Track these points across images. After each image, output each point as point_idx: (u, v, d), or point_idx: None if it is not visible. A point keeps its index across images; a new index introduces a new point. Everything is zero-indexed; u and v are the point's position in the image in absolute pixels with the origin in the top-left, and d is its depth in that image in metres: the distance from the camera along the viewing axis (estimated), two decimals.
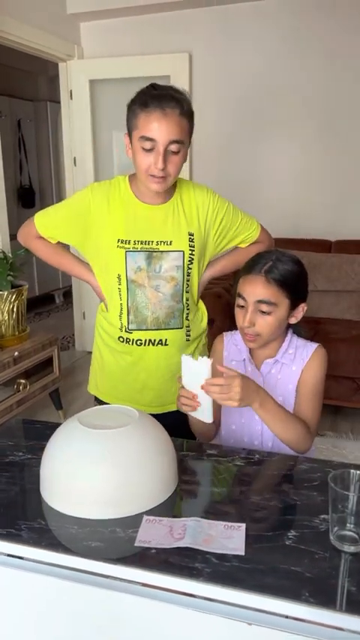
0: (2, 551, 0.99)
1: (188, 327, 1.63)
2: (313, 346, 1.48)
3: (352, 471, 0.99)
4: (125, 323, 1.60)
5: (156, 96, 1.41)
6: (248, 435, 1.46)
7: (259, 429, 1.45)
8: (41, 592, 0.96)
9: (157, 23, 3.95)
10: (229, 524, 1.01)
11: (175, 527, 1.00)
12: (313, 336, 3.34)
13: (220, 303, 3.32)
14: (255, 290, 1.38)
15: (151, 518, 1.03)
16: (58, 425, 1.46)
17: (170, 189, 1.55)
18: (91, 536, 0.98)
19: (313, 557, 0.92)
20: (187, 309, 1.62)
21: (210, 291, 3.34)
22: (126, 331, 1.61)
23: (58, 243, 1.71)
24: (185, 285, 1.59)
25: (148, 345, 1.60)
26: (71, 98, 4.15)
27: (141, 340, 1.60)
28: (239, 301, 1.41)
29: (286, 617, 0.83)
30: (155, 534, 0.99)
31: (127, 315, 1.59)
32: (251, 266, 1.41)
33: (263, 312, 1.38)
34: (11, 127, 5.77)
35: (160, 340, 1.60)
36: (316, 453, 1.52)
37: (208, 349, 1.70)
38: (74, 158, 4.26)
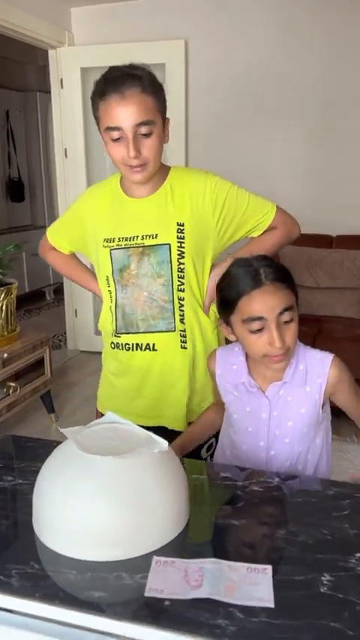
0: None
1: (184, 331, 1.46)
2: (326, 361, 1.25)
3: None
4: (114, 327, 1.49)
5: (111, 80, 1.27)
6: (253, 463, 1.31)
7: (263, 457, 1.30)
8: None
9: (152, 8, 3.78)
10: (253, 566, 0.88)
11: (190, 572, 0.87)
12: (317, 336, 3.24)
13: None
14: (269, 302, 1.15)
15: (162, 559, 0.89)
16: (52, 443, 1.32)
17: (159, 178, 1.42)
18: (94, 584, 0.84)
19: (353, 609, 0.79)
20: (182, 311, 1.45)
21: None
22: (115, 335, 1.50)
23: (72, 253, 1.67)
24: (177, 283, 1.43)
25: (136, 349, 1.48)
26: (62, 87, 3.98)
27: (129, 344, 1.48)
28: (252, 325, 1.17)
29: None
30: (168, 581, 0.85)
31: (116, 319, 1.49)
32: (244, 282, 1.17)
33: (286, 323, 1.18)
34: None
35: (148, 344, 1.46)
36: None
37: None
38: (65, 150, 4.09)
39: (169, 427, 1.50)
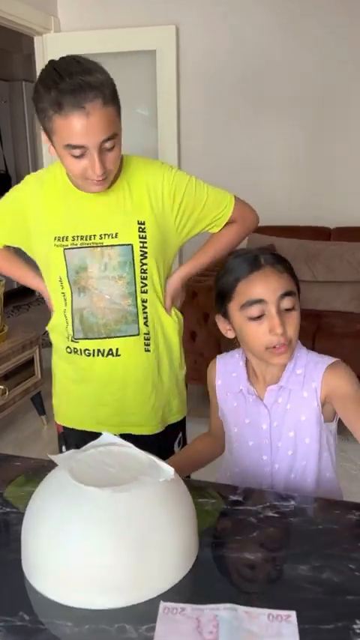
0: None
1: (147, 334, 1.38)
2: (323, 365, 1.14)
3: None
4: (71, 331, 1.39)
5: (68, 90, 1.11)
6: (258, 478, 1.21)
7: (268, 471, 1.20)
8: None
9: None
10: (275, 612, 0.77)
11: (203, 621, 0.76)
12: (316, 332, 3.14)
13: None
14: (269, 284, 1.08)
15: (170, 606, 0.78)
16: (44, 463, 1.20)
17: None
18: (94, 639, 0.73)
19: None
20: (146, 313, 1.37)
21: (203, 284, 3.09)
22: (72, 340, 1.39)
23: (8, 247, 1.51)
24: (140, 285, 1.35)
25: (97, 355, 1.38)
26: None
27: (89, 350, 1.38)
28: (251, 311, 1.08)
29: None
30: (179, 633, 0.74)
31: (72, 323, 1.38)
32: (242, 266, 1.11)
33: (287, 311, 1.10)
34: None
35: (111, 350, 1.37)
36: None
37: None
38: None
39: (135, 433, 1.43)
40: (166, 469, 0.86)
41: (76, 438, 1.49)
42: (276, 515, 0.98)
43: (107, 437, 0.96)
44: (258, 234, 3.31)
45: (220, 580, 0.86)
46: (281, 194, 3.70)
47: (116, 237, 1.32)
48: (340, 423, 1.20)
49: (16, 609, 0.78)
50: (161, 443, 1.47)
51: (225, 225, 1.44)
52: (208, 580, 0.86)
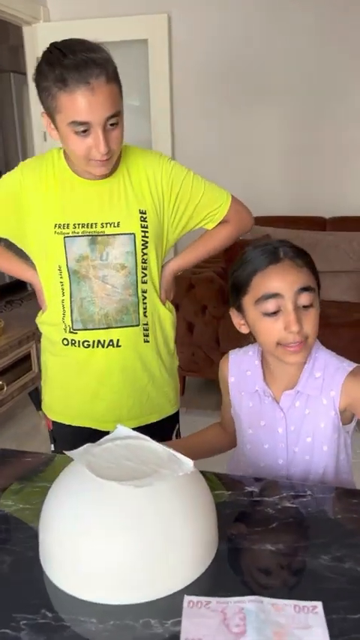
0: None
1: (146, 324, 1.38)
2: (342, 372, 1.10)
3: None
4: (69, 322, 1.36)
5: (73, 66, 1.11)
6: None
7: (284, 474, 1.17)
8: None
9: None
10: (301, 604, 0.76)
11: (229, 614, 0.75)
12: None
13: (213, 289, 3.06)
14: (287, 277, 1.03)
15: (195, 599, 0.77)
16: (53, 457, 1.19)
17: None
18: (119, 635, 0.72)
19: None
20: (145, 303, 1.36)
21: (200, 276, 3.08)
22: (70, 332, 1.37)
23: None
24: (141, 275, 1.34)
25: (97, 346, 1.36)
26: None
27: (88, 341, 1.36)
28: (266, 306, 1.04)
29: None
30: (205, 627, 0.73)
31: (71, 313, 1.35)
32: (260, 259, 1.06)
33: (305, 307, 1.04)
34: None
35: (111, 341, 1.35)
36: None
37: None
38: (44, 133, 3.89)
39: (131, 427, 1.41)
40: (186, 462, 0.85)
41: (66, 435, 1.47)
42: (294, 505, 0.98)
43: (122, 430, 0.95)
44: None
45: (242, 572, 0.86)
46: (276, 184, 3.68)
47: (118, 226, 1.31)
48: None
49: (38, 607, 0.77)
50: (157, 435, 1.46)
51: (220, 224, 1.42)
52: (229, 573, 0.85)
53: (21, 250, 1.45)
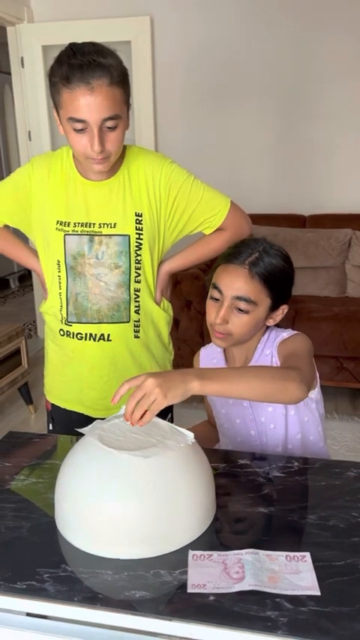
0: (19, 609, 0.81)
1: (137, 321, 1.45)
2: (279, 339, 1.25)
3: None
4: (65, 315, 1.44)
5: (77, 66, 1.18)
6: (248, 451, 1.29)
7: (258, 444, 1.29)
8: None
9: None
10: (291, 554, 0.87)
11: (230, 564, 0.85)
12: (295, 317, 3.25)
13: (198, 285, 3.16)
14: (234, 283, 1.18)
15: (198, 553, 0.87)
16: (59, 439, 1.27)
17: (117, 161, 1.36)
18: (133, 584, 0.82)
19: None
20: (137, 302, 1.43)
21: (186, 272, 3.17)
22: (65, 324, 1.45)
23: (7, 227, 1.53)
24: (134, 274, 1.41)
25: (89, 339, 1.43)
26: (23, 66, 3.82)
27: (81, 334, 1.44)
28: (213, 293, 1.21)
29: None
30: (209, 575, 0.83)
31: (67, 307, 1.43)
32: (233, 254, 1.21)
33: (240, 310, 1.18)
34: None
35: (102, 335, 1.43)
36: None
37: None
38: (29, 132, 3.96)
39: None
40: (187, 434, 0.95)
41: (63, 416, 1.55)
42: (282, 474, 1.08)
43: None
44: None
45: (239, 531, 0.96)
46: (257, 182, 3.79)
47: (114, 227, 1.37)
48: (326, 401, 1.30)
49: (58, 563, 0.86)
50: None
51: (217, 230, 1.44)
52: (228, 531, 0.95)
53: (27, 238, 1.52)
